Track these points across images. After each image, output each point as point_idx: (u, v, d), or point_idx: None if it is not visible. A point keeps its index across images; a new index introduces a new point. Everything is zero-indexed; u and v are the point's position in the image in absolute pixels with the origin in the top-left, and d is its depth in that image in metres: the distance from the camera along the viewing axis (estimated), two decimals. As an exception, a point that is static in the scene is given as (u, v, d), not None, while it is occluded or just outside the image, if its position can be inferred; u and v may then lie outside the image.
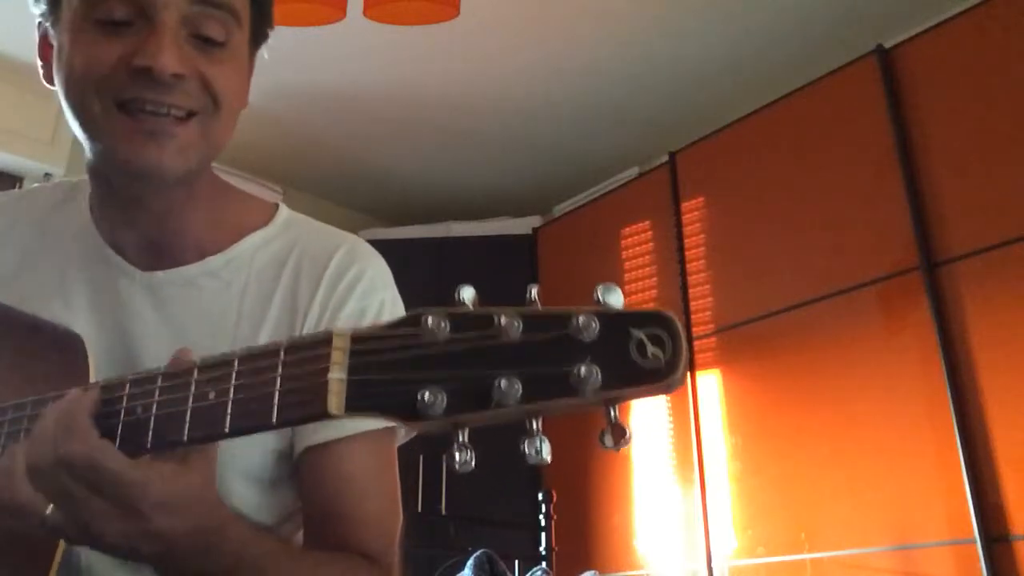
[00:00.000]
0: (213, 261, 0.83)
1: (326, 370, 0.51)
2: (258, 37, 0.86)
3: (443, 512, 2.75)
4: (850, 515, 2.31)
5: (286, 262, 0.84)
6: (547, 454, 0.48)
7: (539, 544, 2.52)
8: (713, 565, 2.60)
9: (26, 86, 3.09)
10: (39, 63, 0.82)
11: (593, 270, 3.33)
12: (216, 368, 0.57)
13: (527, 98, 3.31)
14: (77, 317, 0.81)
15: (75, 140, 3.19)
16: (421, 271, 3.49)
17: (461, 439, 0.49)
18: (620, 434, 0.47)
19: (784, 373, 2.59)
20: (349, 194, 4.02)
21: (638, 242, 3.20)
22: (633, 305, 3.32)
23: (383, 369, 0.50)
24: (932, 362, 2.23)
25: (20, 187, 3.20)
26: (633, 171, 3.56)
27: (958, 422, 2.14)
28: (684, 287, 2.94)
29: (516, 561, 2.46)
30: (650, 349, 0.46)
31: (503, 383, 0.47)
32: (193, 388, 0.57)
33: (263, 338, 0.80)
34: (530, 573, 2.24)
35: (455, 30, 2.55)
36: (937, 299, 2.27)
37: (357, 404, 0.51)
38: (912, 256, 2.34)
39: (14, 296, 0.80)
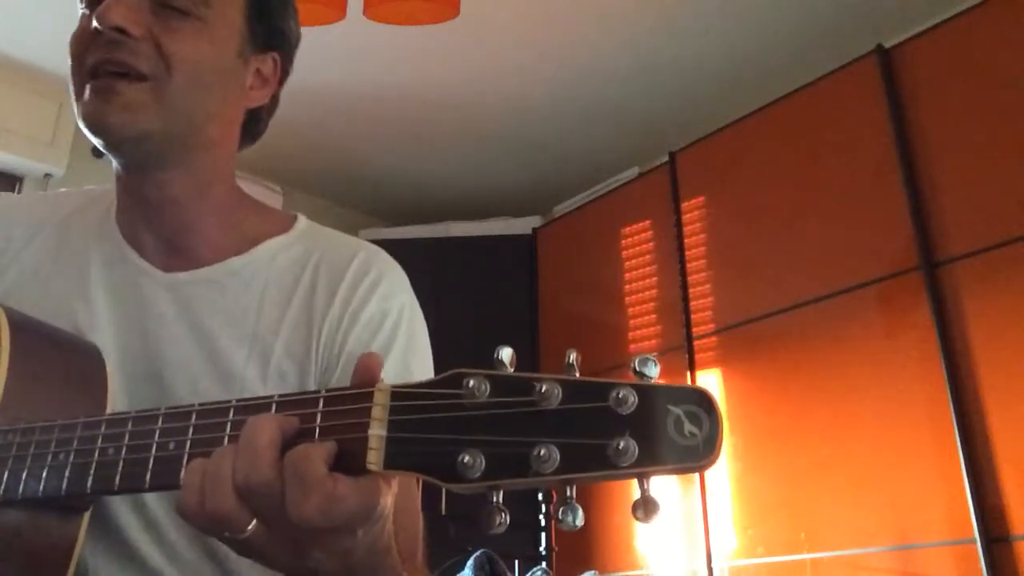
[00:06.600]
0: (234, 261, 0.85)
1: (366, 425, 0.51)
2: (258, 34, 0.85)
3: (443, 512, 2.75)
4: (850, 515, 2.31)
5: (305, 266, 0.86)
6: (580, 521, 0.48)
7: (539, 544, 2.52)
8: (713, 565, 2.59)
9: (26, 86, 3.09)
10: None
11: (593, 270, 3.33)
12: (251, 410, 0.56)
13: (527, 98, 3.31)
14: (98, 318, 0.81)
15: (75, 140, 3.21)
16: (421, 271, 3.47)
17: (496, 501, 0.49)
18: (653, 508, 0.47)
19: (784, 373, 2.59)
20: (349, 194, 4.02)
21: (638, 242, 3.19)
22: (634, 306, 3.34)
23: (423, 428, 0.51)
24: (932, 362, 2.23)
25: (20, 187, 3.20)
26: (633, 171, 3.56)
27: (958, 422, 2.14)
28: (684, 287, 2.94)
29: (516, 561, 2.46)
30: (687, 427, 0.47)
31: (542, 451, 0.47)
32: (229, 429, 0.56)
33: (281, 339, 0.81)
34: (530, 573, 2.24)
35: (455, 30, 2.55)
36: (937, 299, 2.26)
37: (396, 462, 0.51)
38: (912, 256, 2.34)
39: (36, 297, 0.81)
